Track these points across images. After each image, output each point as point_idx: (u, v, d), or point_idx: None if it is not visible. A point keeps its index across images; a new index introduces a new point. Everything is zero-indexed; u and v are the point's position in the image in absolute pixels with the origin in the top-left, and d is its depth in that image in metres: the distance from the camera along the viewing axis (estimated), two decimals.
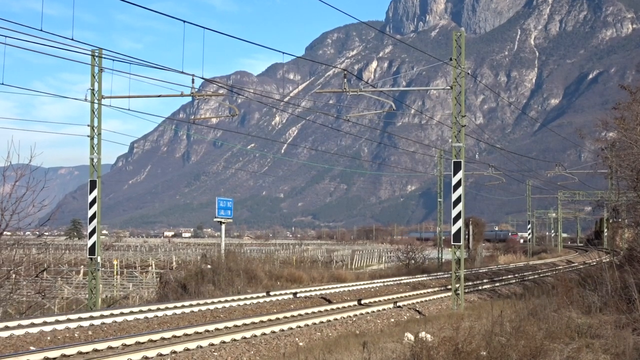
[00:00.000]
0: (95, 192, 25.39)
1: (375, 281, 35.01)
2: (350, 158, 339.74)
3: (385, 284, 33.49)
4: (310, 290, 28.76)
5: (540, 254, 75.53)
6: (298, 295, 26.94)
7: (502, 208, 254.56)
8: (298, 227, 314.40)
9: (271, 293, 27.22)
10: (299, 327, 18.21)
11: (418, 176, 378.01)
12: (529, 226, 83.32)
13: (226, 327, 18.00)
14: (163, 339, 16.11)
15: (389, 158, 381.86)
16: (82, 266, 50.98)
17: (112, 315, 20.19)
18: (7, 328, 17.16)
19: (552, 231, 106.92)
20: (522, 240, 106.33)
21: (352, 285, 31.42)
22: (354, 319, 20.17)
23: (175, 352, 14.42)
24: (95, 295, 25.54)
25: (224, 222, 36.90)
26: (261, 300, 25.02)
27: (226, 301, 24.06)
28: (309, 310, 21.68)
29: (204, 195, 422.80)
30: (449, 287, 26.81)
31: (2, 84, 19.45)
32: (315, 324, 18.86)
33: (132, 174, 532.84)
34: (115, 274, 48.02)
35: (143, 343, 15.58)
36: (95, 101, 25.28)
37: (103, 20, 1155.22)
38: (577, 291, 21.14)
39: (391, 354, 13.76)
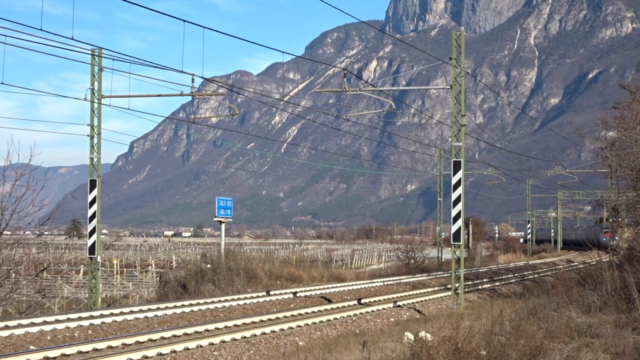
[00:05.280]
0: (95, 192, 25.40)
1: (375, 280, 35.02)
2: (350, 157, 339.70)
3: (385, 283, 33.49)
4: (310, 290, 28.76)
5: (540, 254, 75.51)
6: (298, 294, 26.94)
7: (502, 207, 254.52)
8: (298, 226, 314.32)
9: (271, 292, 27.22)
10: (299, 326, 18.21)
11: (418, 175, 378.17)
12: (529, 226, 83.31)
13: (226, 327, 18.01)
14: (163, 338, 16.11)
15: (389, 157, 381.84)
16: (82, 265, 50.98)
17: (112, 314, 20.19)
18: (7, 327, 17.17)
19: (552, 230, 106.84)
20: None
21: (352, 285, 31.43)
22: (354, 319, 20.17)
23: (175, 351, 14.43)
24: (95, 295, 25.55)
25: (223, 222, 36.91)
26: (261, 300, 25.02)
27: (226, 300, 24.06)
28: (309, 310, 21.68)
29: (204, 194, 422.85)
30: (449, 286, 26.82)
31: (2, 83, 19.46)
32: (315, 323, 18.86)
33: (132, 174, 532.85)
34: (115, 273, 48.02)
35: (143, 342, 15.59)
36: (95, 100, 25.28)
37: (106, 19, 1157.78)
38: (576, 290, 21.16)
39: (391, 354, 13.76)
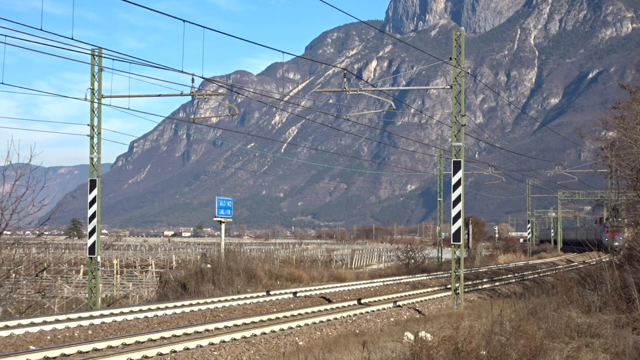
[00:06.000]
0: (95, 192, 25.40)
1: (375, 280, 35.01)
2: (350, 157, 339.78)
3: (385, 283, 33.49)
4: (310, 290, 28.76)
5: (540, 254, 75.51)
6: (298, 294, 26.94)
7: (502, 207, 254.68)
8: (298, 226, 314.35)
9: (271, 292, 27.22)
10: (299, 326, 18.21)
11: (418, 175, 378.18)
12: (529, 225, 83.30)
13: (226, 327, 18.01)
14: (163, 338, 16.11)
15: (389, 157, 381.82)
16: (82, 265, 50.99)
17: (112, 314, 20.19)
18: (7, 327, 17.17)
19: (552, 231, 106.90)
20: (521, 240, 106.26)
21: (352, 285, 31.43)
22: (354, 319, 20.17)
23: (175, 351, 14.43)
24: (95, 295, 25.55)
25: (223, 222, 36.92)
26: (261, 300, 25.02)
27: (226, 300, 24.06)
28: (309, 310, 21.68)
29: (204, 194, 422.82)
30: (449, 286, 26.82)
31: (3, 83, 19.47)
32: (315, 323, 18.86)
33: (132, 174, 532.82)
34: (115, 273, 48.02)
35: (143, 342, 15.59)
36: (95, 100, 25.28)
37: (107, 19, 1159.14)
38: (576, 290, 21.18)
39: (391, 354, 13.76)
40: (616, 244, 36.42)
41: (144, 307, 21.91)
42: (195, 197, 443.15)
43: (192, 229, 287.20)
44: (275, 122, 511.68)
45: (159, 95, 26.60)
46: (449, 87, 24.94)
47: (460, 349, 11.94)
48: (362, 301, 24.50)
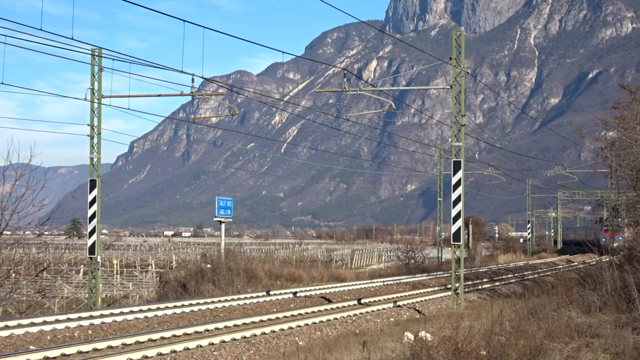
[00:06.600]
0: (95, 192, 25.41)
1: (375, 280, 35.02)
2: (350, 157, 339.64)
3: (385, 283, 33.49)
4: (310, 290, 28.77)
5: (540, 254, 75.50)
6: (298, 294, 26.95)
7: (502, 207, 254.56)
8: (298, 226, 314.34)
9: (271, 292, 27.22)
10: (299, 326, 18.22)
11: (418, 175, 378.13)
12: (529, 225, 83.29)
13: (226, 327, 18.01)
14: (163, 338, 16.12)
15: (389, 157, 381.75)
16: (82, 265, 50.99)
17: (112, 314, 20.20)
18: (7, 327, 17.17)
19: (552, 230, 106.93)
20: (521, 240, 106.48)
21: (352, 285, 31.44)
22: (354, 319, 20.18)
23: (175, 351, 14.43)
24: (95, 295, 25.56)
25: (223, 222, 36.93)
26: (261, 300, 25.02)
27: (226, 300, 24.06)
28: (309, 310, 21.69)
29: (204, 194, 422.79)
30: (449, 286, 26.83)
31: (3, 83, 19.48)
32: (315, 323, 18.87)
33: (132, 174, 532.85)
34: (115, 273, 48.03)
35: (143, 342, 15.59)
36: (95, 100, 25.29)
37: (106, 19, 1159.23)
38: (576, 290, 21.17)
39: (391, 354, 13.76)
40: (615, 244, 36.28)
41: (144, 307, 21.92)
42: (195, 197, 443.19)
43: (192, 229, 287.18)
44: (275, 122, 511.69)
45: (159, 95, 26.62)
46: (449, 87, 24.95)
47: (460, 349, 11.94)
48: (362, 301, 24.51)
